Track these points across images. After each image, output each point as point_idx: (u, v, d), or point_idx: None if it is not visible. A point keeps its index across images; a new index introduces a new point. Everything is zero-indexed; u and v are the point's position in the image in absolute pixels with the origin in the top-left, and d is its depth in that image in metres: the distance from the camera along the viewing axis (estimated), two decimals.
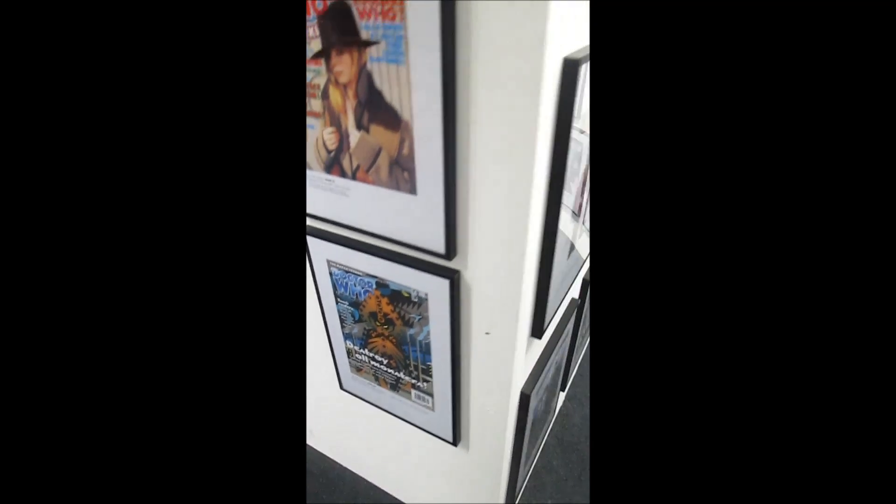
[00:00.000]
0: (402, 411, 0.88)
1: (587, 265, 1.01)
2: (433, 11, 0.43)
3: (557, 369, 0.99)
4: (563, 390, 1.26)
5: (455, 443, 0.84)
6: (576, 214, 0.66)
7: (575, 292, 0.98)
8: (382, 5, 0.46)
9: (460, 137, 0.51)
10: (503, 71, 0.45)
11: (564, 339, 0.96)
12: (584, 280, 1.03)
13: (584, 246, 0.81)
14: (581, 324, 1.12)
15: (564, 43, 0.47)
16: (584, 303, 1.07)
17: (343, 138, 0.58)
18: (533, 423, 0.90)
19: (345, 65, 0.52)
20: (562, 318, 0.90)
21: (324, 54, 0.53)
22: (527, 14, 0.41)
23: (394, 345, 0.77)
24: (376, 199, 0.61)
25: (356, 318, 0.79)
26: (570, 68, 0.48)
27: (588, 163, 0.65)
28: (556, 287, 0.68)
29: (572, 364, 1.21)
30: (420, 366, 0.76)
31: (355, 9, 0.48)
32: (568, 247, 0.68)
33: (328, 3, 0.49)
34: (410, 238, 0.61)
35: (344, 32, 0.50)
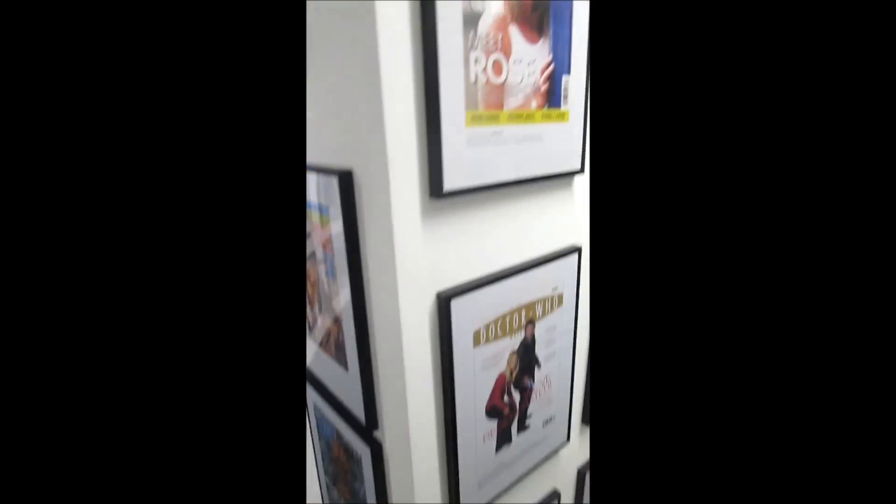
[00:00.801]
0: None
1: (573, 457, 0.96)
2: (343, 252, 0.61)
3: None
4: None
5: None
6: (498, 412, 0.71)
7: (558, 483, 0.93)
8: (323, 242, 0.66)
9: (371, 341, 0.65)
10: (384, 303, 0.59)
11: None
12: (577, 472, 0.97)
13: (544, 442, 0.82)
14: None
15: (442, 279, 0.60)
16: (581, 498, 0.99)
17: (314, 319, 0.77)
18: None
19: (310, 274, 0.73)
20: None
21: None
22: (385, 266, 0.56)
23: (350, 495, 0.86)
24: (330, 367, 0.76)
25: (329, 459, 0.91)
26: (443, 301, 0.59)
27: (511, 370, 0.71)
28: (476, 474, 0.71)
29: None
30: None
31: (314, 239, 0.69)
32: (493, 441, 0.72)
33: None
34: (348, 404, 0.74)
35: (307, 254, 0.71)
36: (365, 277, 0.62)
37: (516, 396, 0.73)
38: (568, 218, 0.74)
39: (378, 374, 0.66)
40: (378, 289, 0.59)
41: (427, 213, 0.56)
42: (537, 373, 0.76)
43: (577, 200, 0.75)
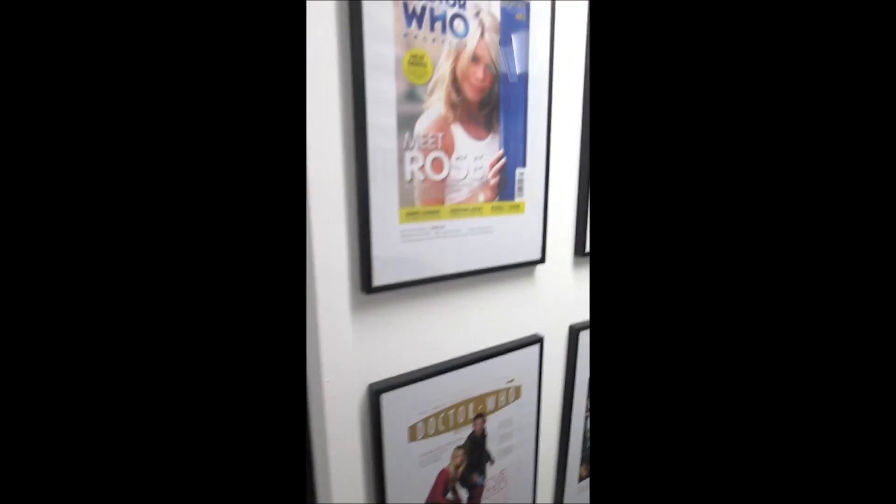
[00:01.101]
0: None
1: None
2: None
3: None
4: None
5: None
6: None
7: None
8: None
9: (311, 426, 0.64)
10: (313, 393, 0.58)
11: None
12: None
13: None
14: None
15: (375, 372, 0.59)
16: None
17: None
18: None
19: None
20: None
21: None
22: (313, 357, 0.55)
23: None
24: None
25: None
26: (373, 394, 0.58)
27: (457, 466, 0.67)
28: None
29: None
30: None
31: None
32: None
33: None
34: None
35: None
36: (308, 363, 0.62)
37: (463, 494, 0.69)
38: (528, 308, 0.72)
39: (314, 458, 0.65)
40: (310, 379, 0.59)
41: (358, 307, 0.55)
42: (489, 468, 0.71)
43: (539, 290, 0.72)
